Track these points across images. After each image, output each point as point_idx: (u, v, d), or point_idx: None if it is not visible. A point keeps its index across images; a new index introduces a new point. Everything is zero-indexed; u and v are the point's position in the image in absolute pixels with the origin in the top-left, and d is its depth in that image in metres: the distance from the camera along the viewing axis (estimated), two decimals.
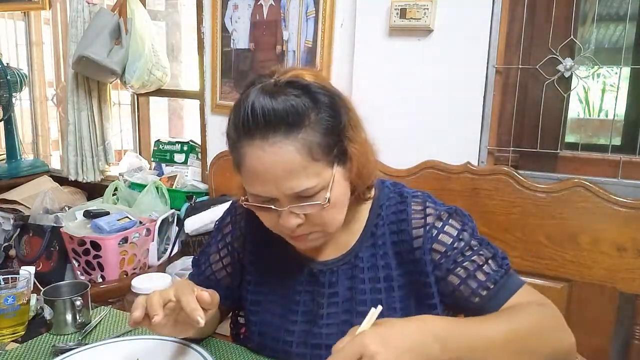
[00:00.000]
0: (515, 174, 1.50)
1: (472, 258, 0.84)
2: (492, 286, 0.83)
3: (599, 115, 1.81)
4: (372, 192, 0.90)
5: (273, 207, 0.78)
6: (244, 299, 0.97)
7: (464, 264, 0.84)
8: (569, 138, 1.68)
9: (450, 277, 0.84)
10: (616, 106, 1.54)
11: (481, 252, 0.85)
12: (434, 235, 0.85)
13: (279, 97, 0.74)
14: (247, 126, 0.75)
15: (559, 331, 0.79)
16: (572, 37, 1.53)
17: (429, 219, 0.86)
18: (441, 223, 0.86)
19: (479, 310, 0.83)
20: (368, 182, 0.86)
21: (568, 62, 1.54)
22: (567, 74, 1.55)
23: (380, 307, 0.70)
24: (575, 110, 1.72)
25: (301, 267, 0.92)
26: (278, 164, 0.74)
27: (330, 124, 0.77)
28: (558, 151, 1.61)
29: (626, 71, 1.57)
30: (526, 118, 1.64)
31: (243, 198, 0.82)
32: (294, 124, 0.73)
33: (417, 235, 0.85)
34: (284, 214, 0.78)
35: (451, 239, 0.85)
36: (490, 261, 0.84)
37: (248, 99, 0.75)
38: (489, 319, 0.77)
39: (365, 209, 0.91)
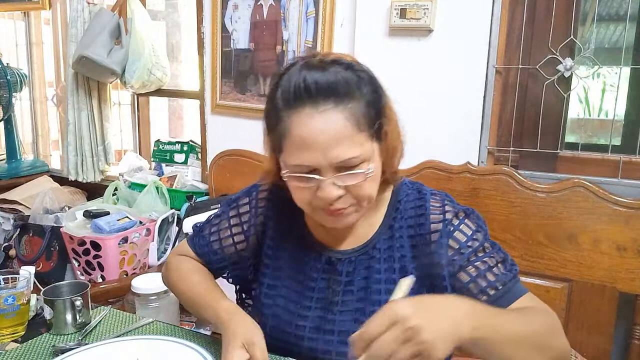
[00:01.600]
0: (515, 174, 1.50)
1: (484, 259, 0.86)
2: (500, 287, 0.85)
3: (599, 115, 1.81)
4: (398, 177, 0.93)
5: (317, 177, 0.80)
6: (260, 283, 0.99)
7: (476, 263, 0.86)
8: (569, 138, 1.68)
9: (461, 274, 0.86)
10: (616, 106, 1.54)
11: (492, 255, 0.87)
12: (450, 230, 0.87)
13: (329, 70, 0.79)
14: (298, 95, 0.78)
15: (563, 336, 0.82)
16: (572, 37, 1.53)
17: (447, 215, 0.88)
18: (458, 221, 0.88)
19: None
20: (395, 166, 0.90)
21: (568, 62, 1.54)
22: (567, 74, 1.55)
23: (413, 277, 0.71)
24: (575, 110, 1.72)
25: (319, 255, 0.94)
26: (327, 131, 0.77)
27: (373, 99, 0.82)
28: (558, 151, 1.61)
29: (626, 71, 1.57)
30: (526, 118, 1.64)
31: (284, 172, 0.83)
32: (344, 94, 0.78)
33: (435, 229, 0.88)
34: (325, 185, 0.79)
35: (465, 237, 0.87)
36: (500, 265, 0.87)
37: (296, 73, 0.80)
38: (511, 313, 0.79)
39: (384, 203, 0.94)
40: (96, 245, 1.87)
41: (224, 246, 1.02)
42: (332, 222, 0.86)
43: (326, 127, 0.77)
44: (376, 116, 0.82)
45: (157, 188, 2.19)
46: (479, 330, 0.67)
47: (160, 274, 1.22)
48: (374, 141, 0.82)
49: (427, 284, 0.88)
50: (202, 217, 1.96)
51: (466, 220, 0.89)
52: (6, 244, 2.22)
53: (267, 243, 1.00)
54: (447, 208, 0.89)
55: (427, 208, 0.89)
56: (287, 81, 0.80)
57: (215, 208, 1.95)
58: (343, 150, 0.77)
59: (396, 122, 0.88)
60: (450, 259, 0.87)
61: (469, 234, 0.87)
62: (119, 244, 1.90)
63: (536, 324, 0.77)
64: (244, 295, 1.10)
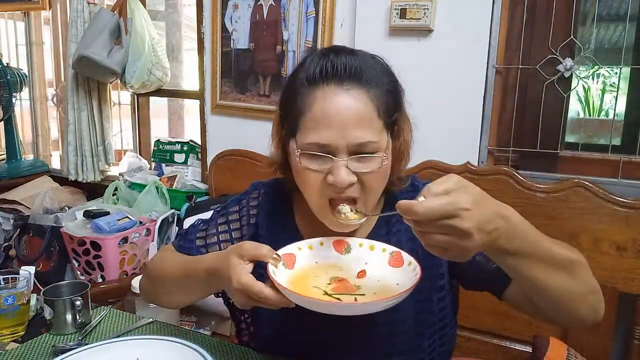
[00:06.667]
0: (515, 174, 1.49)
1: None
2: None
3: (599, 115, 1.81)
4: (401, 183, 0.91)
5: (333, 157, 0.77)
6: None
7: None
8: (569, 138, 1.68)
9: None
10: (616, 106, 1.54)
11: None
12: None
13: (357, 55, 0.82)
14: (324, 74, 0.79)
15: (591, 274, 0.77)
16: (572, 37, 1.53)
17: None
18: None
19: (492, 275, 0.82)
20: (401, 169, 0.89)
21: (568, 62, 1.54)
22: (567, 74, 1.55)
23: None
24: (575, 110, 1.72)
25: None
26: (349, 109, 0.77)
27: (394, 91, 0.84)
28: (558, 151, 1.61)
29: (626, 71, 1.57)
30: (526, 118, 1.64)
31: (297, 152, 0.80)
32: (369, 79, 0.80)
33: None
34: (339, 168, 0.77)
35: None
36: None
37: (322, 56, 0.81)
38: (548, 238, 0.76)
39: (380, 202, 0.92)
40: (96, 245, 1.87)
41: (210, 250, 0.97)
42: (335, 224, 0.82)
43: (349, 104, 0.77)
44: (394, 108, 0.83)
45: (157, 188, 2.19)
46: (512, 241, 0.66)
47: None
48: (389, 135, 0.82)
49: (424, 274, 0.81)
50: (201, 217, 1.97)
51: None
52: (6, 244, 2.22)
53: None
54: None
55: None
56: (311, 63, 0.81)
57: (215, 208, 1.95)
58: (362, 132, 0.77)
59: (409, 123, 0.88)
60: None
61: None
62: (119, 244, 1.90)
63: (572, 254, 0.74)
64: (239, 315, 1.05)
